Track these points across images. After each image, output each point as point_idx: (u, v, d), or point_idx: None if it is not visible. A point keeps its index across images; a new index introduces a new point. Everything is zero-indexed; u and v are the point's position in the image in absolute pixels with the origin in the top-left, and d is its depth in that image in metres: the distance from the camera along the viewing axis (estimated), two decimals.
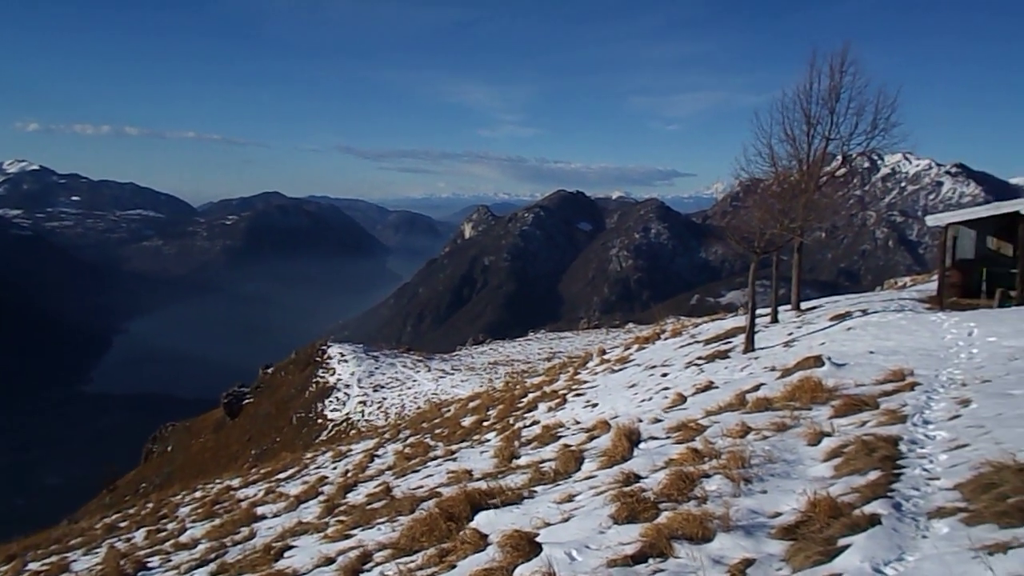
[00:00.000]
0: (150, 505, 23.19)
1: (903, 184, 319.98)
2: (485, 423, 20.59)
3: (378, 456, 19.45)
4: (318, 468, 20.31)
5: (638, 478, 7.68)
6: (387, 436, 24.38)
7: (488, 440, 16.79)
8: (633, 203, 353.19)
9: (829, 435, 7.80)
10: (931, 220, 22.20)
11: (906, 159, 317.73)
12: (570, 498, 7.72)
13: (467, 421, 21.92)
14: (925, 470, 6.02)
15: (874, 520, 4.87)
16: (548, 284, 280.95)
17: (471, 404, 26.58)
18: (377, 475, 15.76)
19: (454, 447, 16.79)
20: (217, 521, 15.39)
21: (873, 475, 5.99)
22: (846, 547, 4.58)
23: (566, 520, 6.74)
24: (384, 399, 44.30)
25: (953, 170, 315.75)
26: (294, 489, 16.86)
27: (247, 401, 58.40)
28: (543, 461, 11.01)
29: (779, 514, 5.61)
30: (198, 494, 22.34)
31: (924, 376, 10.83)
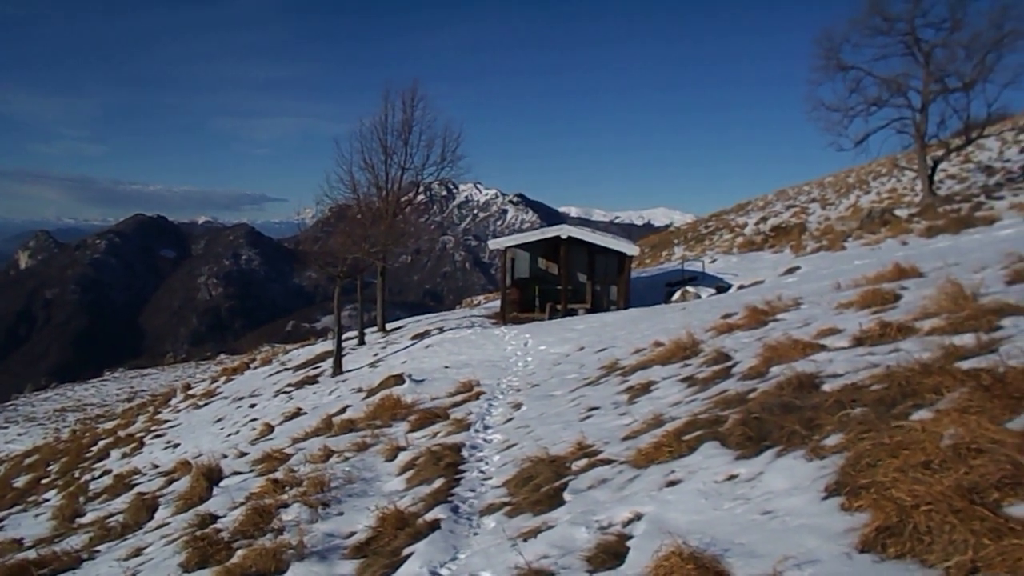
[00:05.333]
0: None
1: (476, 211, 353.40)
2: (44, 480, 17.97)
3: None
4: None
5: (215, 518, 7.31)
6: None
7: (47, 500, 14.68)
8: (221, 228, 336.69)
9: (405, 449, 8.24)
10: (492, 244, 24.88)
11: (477, 188, 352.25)
12: (138, 552, 7.06)
13: (21, 481, 18.91)
14: (481, 471, 6.66)
15: (435, 525, 5.25)
16: (127, 317, 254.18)
17: (27, 460, 22.96)
18: None
19: (1, 514, 14.33)
20: None
21: (438, 483, 6.46)
22: (409, 555, 4.85)
23: None
24: None
25: (515, 199, 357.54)
26: None
27: None
28: (112, 515, 9.95)
29: (353, 533, 5.76)
30: None
31: (488, 385, 12.02)
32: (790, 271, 20.61)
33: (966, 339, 5.05)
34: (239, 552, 5.73)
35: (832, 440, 4.16)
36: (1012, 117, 40.81)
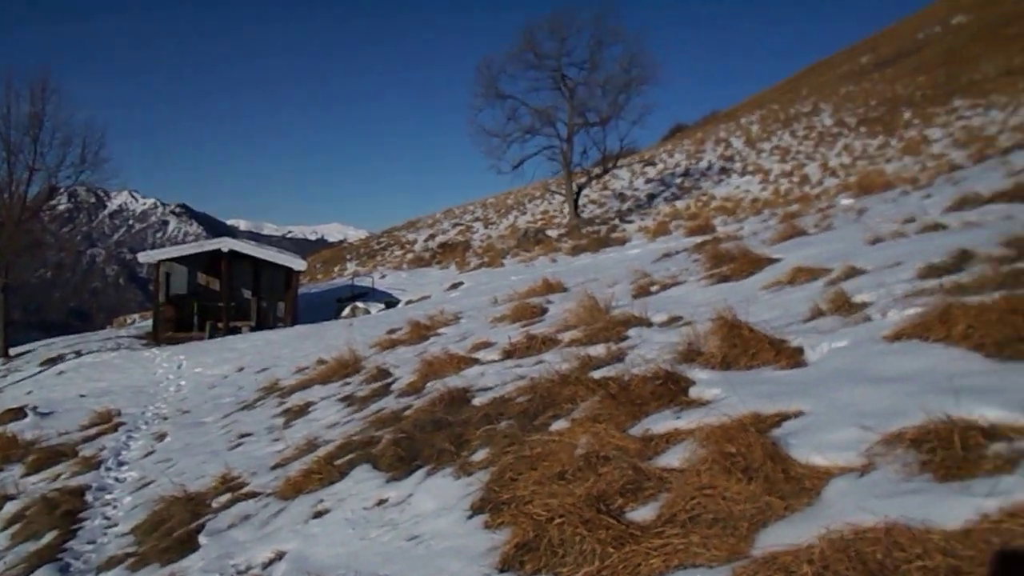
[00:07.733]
0: None
1: (131, 222, 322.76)
2: None
3: None
4: None
5: None
6: None
7: None
8: None
9: (14, 498, 6.95)
10: (143, 257, 22.67)
11: (133, 197, 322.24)
12: None
13: None
14: (107, 518, 5.79)
15: None
16: None
17: None
18: None
19: None
20: None
21: (49, 536, 5.48)
22: None
23: None
24: None
25: (178, 210, 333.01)
26: None
27: None
28: None
29: None
30: None
31: (131, 415, 10.74)
32: (454, 286, 21.40)
33: (599, 349, 5.41)
34: None
35: (479, 455, 4.15)
36: (639, 152, 46.91)
